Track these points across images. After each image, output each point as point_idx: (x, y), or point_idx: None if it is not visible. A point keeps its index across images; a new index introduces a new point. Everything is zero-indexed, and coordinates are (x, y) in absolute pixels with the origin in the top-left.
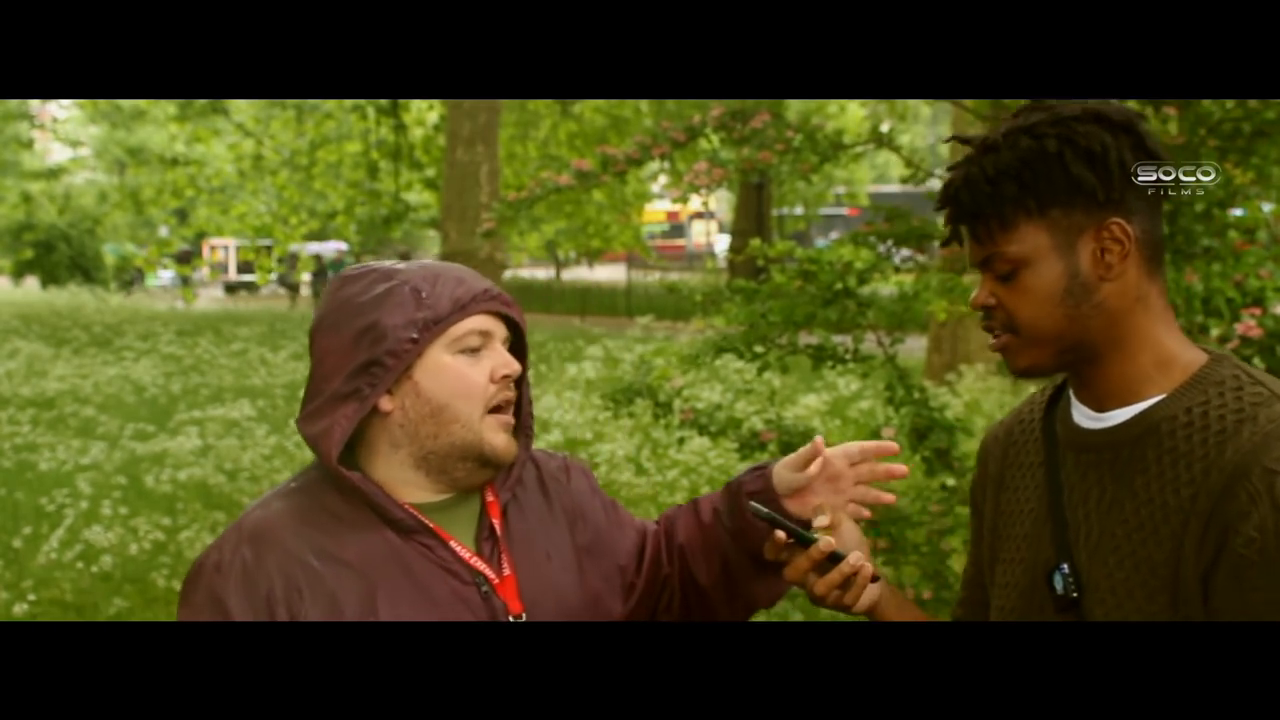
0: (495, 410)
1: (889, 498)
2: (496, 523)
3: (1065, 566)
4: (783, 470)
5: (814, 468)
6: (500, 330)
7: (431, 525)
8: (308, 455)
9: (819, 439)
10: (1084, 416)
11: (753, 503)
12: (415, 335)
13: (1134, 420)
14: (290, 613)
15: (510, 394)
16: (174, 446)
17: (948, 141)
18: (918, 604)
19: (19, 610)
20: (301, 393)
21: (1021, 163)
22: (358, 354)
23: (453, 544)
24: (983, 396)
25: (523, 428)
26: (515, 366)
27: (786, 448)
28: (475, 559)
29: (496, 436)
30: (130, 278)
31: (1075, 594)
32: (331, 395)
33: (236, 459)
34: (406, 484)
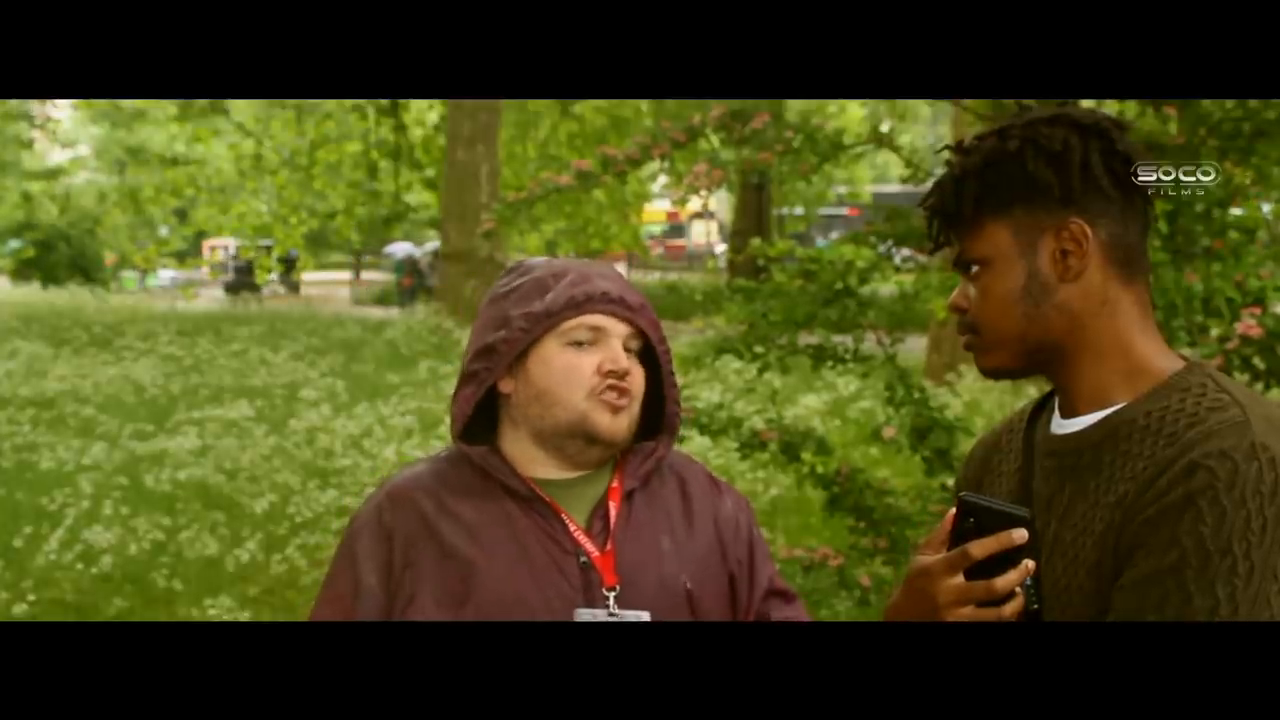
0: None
1: None
2: (613, 505)
3: (1027, 579)
4: None
5: None
6: (620, 329)
7: (546, 498)
8: (307, 455)
9: None
10: (1057, 423)
11: (964, 494)
12: (526, 326)
13: (1097, 425)
14: (406, 558)
15: (620, 385)
16: (173, 446)
17: (939, 151)
18: None
19: (19, 610)
20: (301, 393)
21: (985, 163)
22: (485, 338)
23: (564, 516)
24: (983, 396)
25: (667, 424)
26: (622, 363)
27: (786, 447)
28: (580, 533)
29: (600, 415)
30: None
31: (1035, 605)
32: (462, 375)
33: (236, 459)
34: (533, 460)
